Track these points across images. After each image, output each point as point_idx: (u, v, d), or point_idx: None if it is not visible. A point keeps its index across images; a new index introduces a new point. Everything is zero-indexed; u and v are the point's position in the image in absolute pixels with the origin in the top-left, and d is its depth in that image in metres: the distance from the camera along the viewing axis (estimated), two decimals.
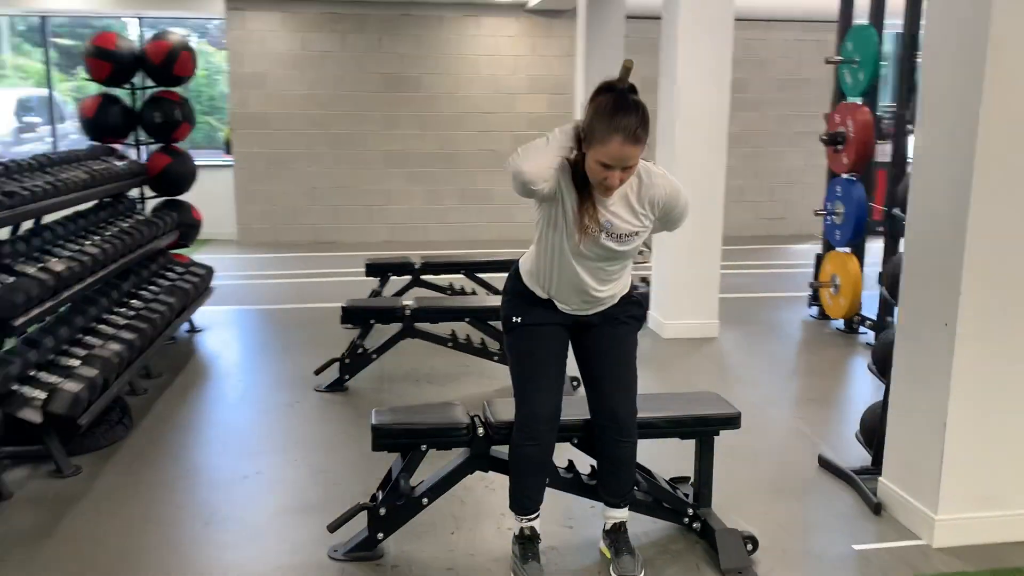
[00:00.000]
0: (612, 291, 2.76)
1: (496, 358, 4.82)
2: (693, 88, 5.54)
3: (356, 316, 4.76)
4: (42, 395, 3.47)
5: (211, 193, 9.70)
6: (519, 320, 2.79)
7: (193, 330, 5.99)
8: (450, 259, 6.44)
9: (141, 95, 6.14)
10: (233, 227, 9.90)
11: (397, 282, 6.11)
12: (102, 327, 4.34)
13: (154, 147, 6.15)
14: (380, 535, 2.97)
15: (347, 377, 4.74)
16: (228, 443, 4.10)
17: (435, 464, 3.01)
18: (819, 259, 6.36)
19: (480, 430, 2.93)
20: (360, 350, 4.73)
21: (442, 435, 2.93)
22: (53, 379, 3.59)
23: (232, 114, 9.75)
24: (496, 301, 4.43)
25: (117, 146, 6.01)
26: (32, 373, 3.61)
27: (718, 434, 3.11)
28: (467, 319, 4.80)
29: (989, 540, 3.05)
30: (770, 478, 3.70)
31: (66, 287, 3.95)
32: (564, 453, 2.98)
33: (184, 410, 4.49)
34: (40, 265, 3.88)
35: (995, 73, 2.74)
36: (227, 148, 10.17)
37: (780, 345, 5.85)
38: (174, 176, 6.07)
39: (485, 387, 4.80)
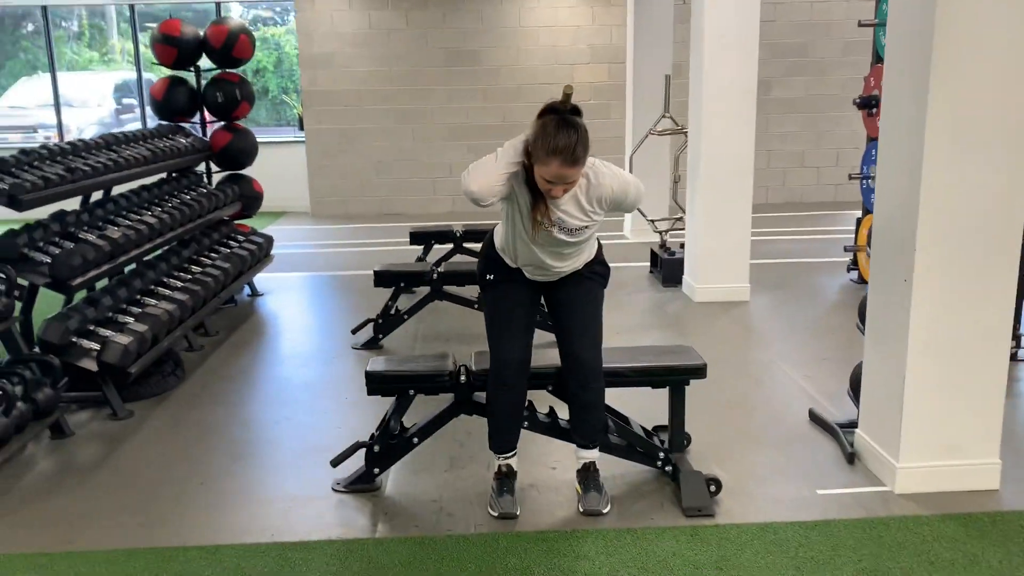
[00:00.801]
0: (574, 264, 3.02)
1: None
2: (719, 56, 5.64)
3: (387, 279, 5.12)
4: (97, 347, 3.95)
5: (286, 168, 10.30)
6: (491, 277, 3.08)
7: (254, 294, 6.48)
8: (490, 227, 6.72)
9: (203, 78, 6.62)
10: (306, 200, 10.45)
11: (441, 250, 6.44)
12: (161, 289, 4.82)
13: (217, 125, 6.63)
14: (376, 470, 3.32)
15: (381, 336, 5.12)
16: (267, 393, 4.54)
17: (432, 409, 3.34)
18: (858, 223, 6.37)
19: (463, 378, 3.23)
20: (392, 311, 5.09)
21: (427, 381, 3.25)
22: (108, 333, 4.07)
23: (304, 92, 10.25)
24: None
25: (185, 125, 6.52)
26: (91, 328, 4.10)
27: (687, 383, 3.33)
28: None
29: (948, 488, 3.18)
30: (759, 430, 3.87)
31: (123, 252, 4.44)
32: (546, 400, 3.26)
33: (233, 364, 4.95)
34: (100, 233, 4.37)
35: (942, 51, 2.84)
36: (300, 125, 10.70)
37: (810, 308, 5.92)
38: (235, 152, 6.54)
39: None
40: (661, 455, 3.33)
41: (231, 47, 6.36)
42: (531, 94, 10.23)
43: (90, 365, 3.93)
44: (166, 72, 6.65)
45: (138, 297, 4.61)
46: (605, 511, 3.11)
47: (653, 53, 7.83)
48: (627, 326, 5.53)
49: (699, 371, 3.28)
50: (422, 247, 6.45)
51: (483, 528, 3.03)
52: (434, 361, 3.32)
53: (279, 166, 10.45)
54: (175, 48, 6.30)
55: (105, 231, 4.40)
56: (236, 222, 6.66)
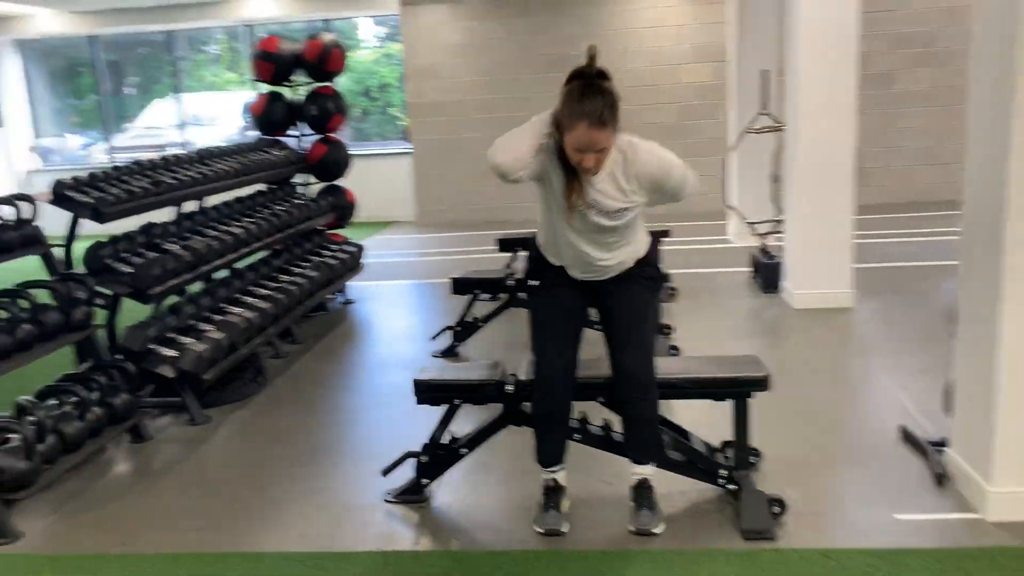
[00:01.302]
0: (620, 258, 2.85)
1: None
2: (815, 49, 5.31)
3: (464, 287, 5.07)
4: (175, 354, 4.08)
5: (392, 179, 10.50)
6: (536, 283, 2.96)
7: (347, 301, 6.59)
8: None
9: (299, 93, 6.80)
10: (412, 210, 10.61)
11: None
12: (246, 297, 4.94)
13: (313, 137, 6.80)
14: (424, 480, 3.26)
15: (457, 344, 5.08)
16: (342, 400, 4.58)
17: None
18: None
19: (509, 388, 3.13)
20: (470, 318, 5.05)
21: (473, 391, 3.15)
22: (187, 341, 4.20)
23: (409, 104, 10.42)
24: None
25: (283, 138, 6.72)
26: (171, 335, 4.24)
27: (749, 396, 3.09)
28: None
29: None
30: (843, 447, 3.58)
31: (204, 263, 4.58)
32: (601, 412, 3.11)
33: (314, 371, 5.03)
34: (184, 244, 4.52)
35: None
36: (406, 136, 10.89)
37: (920, 315, 5.47)
38: (330, 163, 6.69)
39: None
40: (723, 473, 3.11)
41: (325, 61, 6.51)
42: (636, 97, 10.01)
43: (167, 372, 4.06)
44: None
45: (222, 305, 4.74)
46: (657, 531, 2.92)
47: (757, 50, 7.48)
48: (719, 333, 5.28)
49: (759, 383, 3.04)
50: (510, 254, 6.38)
51: (527, 544, 2.91)
52: (482, 370, 3.23)
53: (386, 177, 10.68)
54: (272, 64, 6.50)
55: (188, 242, 4.55)
56: (330, 231, 6.80)
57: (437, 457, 3.23)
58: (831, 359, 4.71)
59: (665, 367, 3.07)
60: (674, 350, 4.72)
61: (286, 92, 6.76)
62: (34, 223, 3.80)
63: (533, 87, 10.11)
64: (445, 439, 3.24)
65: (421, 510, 3.21)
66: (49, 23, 10.50)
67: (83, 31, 10.87)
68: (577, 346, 2.97)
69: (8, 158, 11.11)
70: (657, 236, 3.07)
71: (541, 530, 2.96)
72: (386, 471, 3.30)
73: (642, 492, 3.02)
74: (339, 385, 4.84)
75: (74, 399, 3.61)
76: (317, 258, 6.04)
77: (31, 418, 3.32)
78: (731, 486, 3.09)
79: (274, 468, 3.68)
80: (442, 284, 7.12)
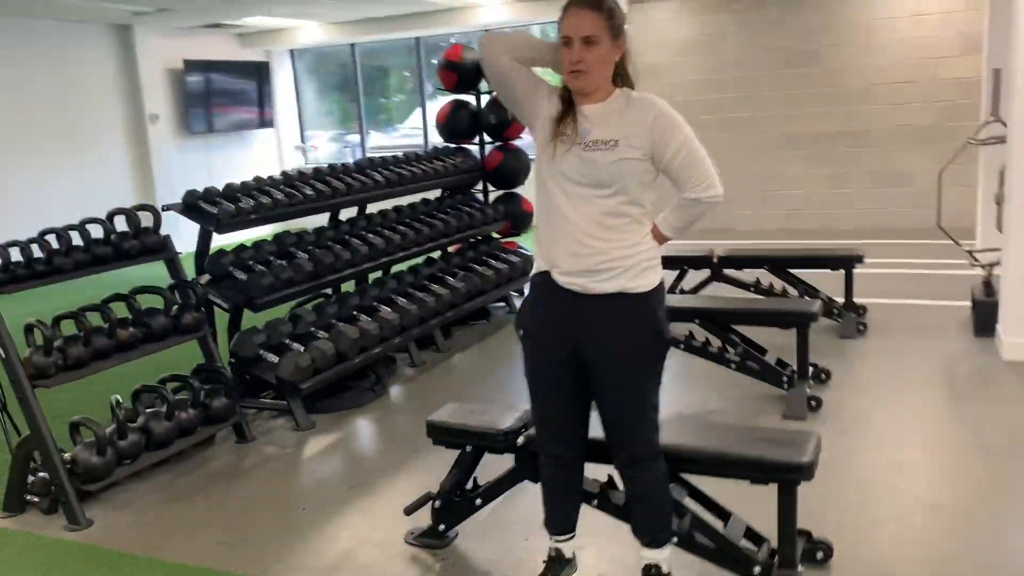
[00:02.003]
0: (616, 250, 2.37)
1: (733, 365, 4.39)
2: None
3: None
4: (276, 361, 4.25)
5: None
6: (522, 333, 2.63)
7: (513, 310, 6.50)
8: (754, 252, 5.96)
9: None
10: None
11: (697, 276, 5.86)
12: (381, 306, 5.02)
13: (492, 145, 6.78)
14: (441, 526, 3.07)
15: None
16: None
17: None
18: None
19: (521, 439, 2.85)
20: None
21: (484, 439, 2.92)
22: (297, 348, 4.35)
23: None
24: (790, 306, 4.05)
25: (467, 146, 6.78)
26: (286, 342, 4.42)
27: (799, 483, 2.55)
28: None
29: None
30: (972, 555, 2.86)
31: (330, 272, 4.73)
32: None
33: (438, 385, 5.00)
34: (318, 253, 4.71)
35: None
36: None
37: None
38: (506, 171, 6.64)
39: (722, 392, 4.44)
40: (756, 569, 2.60)
41: None
42: (883, 96, 8.90)
43: (270, 378, 4.24)
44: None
45: (354, 314, 4.85)
46: None
47: (997, 44, 6.25)
48: (892, 381, 4.49)
49: (796, 470, 2.49)
50: (676, 273, 5.92)
51: None
52: (497, 416, 2.97)
53: None
54: (456, 73, 6.57)
55: (314, 254, 4.71)
56: (505, 239, 6.76)
57: (452, 504, 3.04)
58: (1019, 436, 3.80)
59: (684, 436, 2.63)
60: (815, 402, 4.09)
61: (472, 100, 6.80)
62: (158, 231, 4.11)
63: (763, 85, 9.35)
64: (468, 484, 3.04)
65: (437, 555, 3.03)
66: (315, 34, 11.51)
67: (344, 40, 11.79)
68: (576, 409, 2.59)
69: (279, 156, 12.39)
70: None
71: None
72: (409, 510, 3.16)
73: None
74: (459, 399, 4.75)
75: (174, 399, 3.88)
76: (479, 266, 6.02)
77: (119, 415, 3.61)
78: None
79: (330, 486, 3.70)
80: None
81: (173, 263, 4.19)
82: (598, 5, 2.29)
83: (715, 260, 5.75)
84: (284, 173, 5.03)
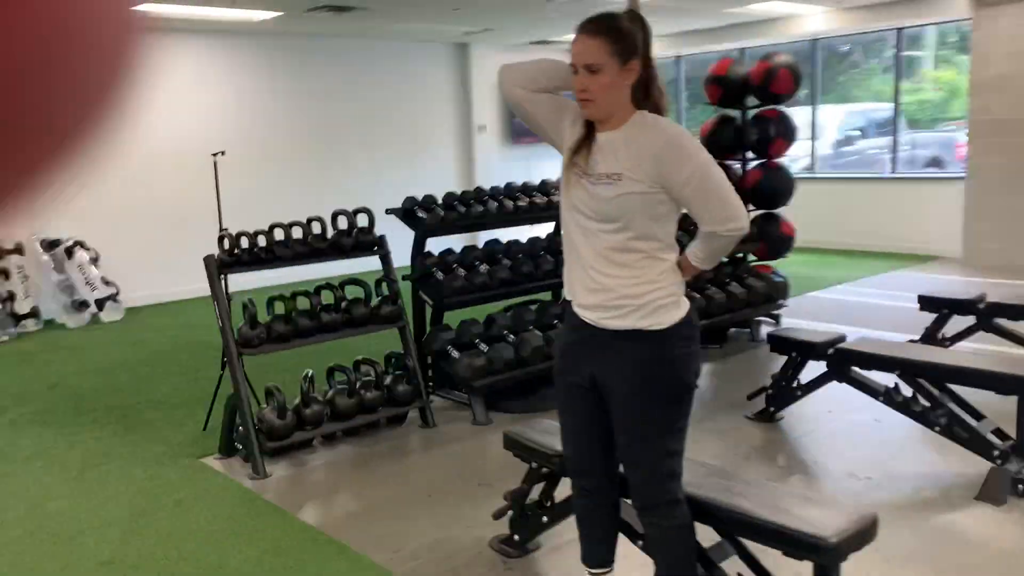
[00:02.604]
0: (626, 287, 2.26)
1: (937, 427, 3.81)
2: None
3: (783, 346, 4.41)
4: (456, 357, 4.57)
5: (939, 207, 9.23)
6: (556, 368, 2.59)
7: (754, 338, 6.17)
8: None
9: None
10: (959, 245, 9.08)
11: (961, 322, 5.10)
12: None
13: (754, 163, 6.48)
14: (516, 536, 3.14)
15: (772, 408, 4.46)
16: None
17: None
18: None
19: (546, 469, 2.83)
20: (784, 383, 4.39)
21: (542, 459, 2.94)
22: (483, 348, 4.64)
23: (971, 123, 8.89)
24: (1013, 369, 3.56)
25: (730, 162, 6.57)
26: (475, 341, 4.73)
27: (843, 559, 2.24)
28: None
29: None
30: None
31: (512, 284, 4.97)
32: None
33: None
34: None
35: None
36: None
37: None
38: (765, 190, 6.31)
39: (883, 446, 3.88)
40: None
41: (769, 82, 6.16)
42: None
43: (451, 372, 4.57)
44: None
45: (554, 322, 5.02)
46: None
47: None
48: None
49: (812, 549, 2.18)
50: (934, 316, 5.20)
51: None
52: (549, 436, 2.96)
53: (930, 205, 9.40)
54: (721, 87, 6.41)
55: (518, 261, 4.96)
56: (759, 263, 6.43)
57: (524, 517, 3.09)
58: None
59: (715, 492, 2.42)
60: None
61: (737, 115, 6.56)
62: (372, 231, 4.63)
63: None
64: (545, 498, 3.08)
65: (509, 564, 3.11)
66: None
67: (670, 53, 11.89)
68: (601, 442, 2.50)
69: None
70: (689, 328, 2.33)
71: None
72: (496, 514, 3.27)
73: None
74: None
75: (364, 378, 4.40)
76: (713, 287, 5.83)
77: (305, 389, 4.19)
78: None
79: (461, 480, 3.91)
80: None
81: (385, 259, 4.69)
82: (599, 31, 2.21)
83: (983, 306, 4.96)
84: (507, 185, 5.32)
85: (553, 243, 5.34)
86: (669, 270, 2.30)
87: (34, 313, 7.73)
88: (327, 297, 4.47)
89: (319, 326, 4.35)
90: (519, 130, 11.66)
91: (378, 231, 4.66)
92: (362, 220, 4.63)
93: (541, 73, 2.40)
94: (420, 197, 4.97)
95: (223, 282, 4.25)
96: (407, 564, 3.14)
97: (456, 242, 6.10)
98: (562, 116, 2.39)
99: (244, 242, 4.28)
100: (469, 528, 3.41)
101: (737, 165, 6.62)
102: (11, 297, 7.60)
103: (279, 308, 4.35)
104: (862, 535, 2.25)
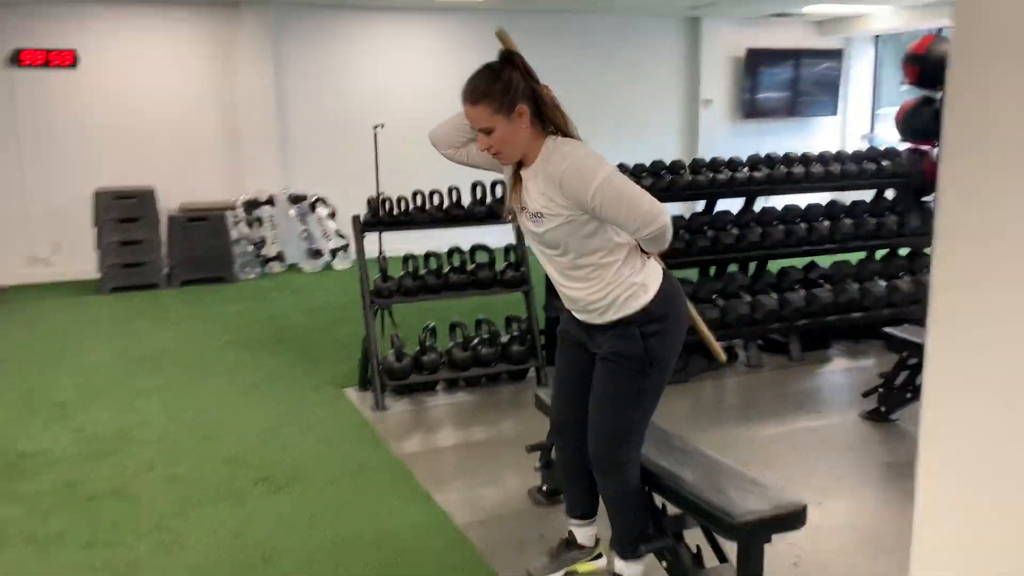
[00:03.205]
0: (585, 294, 2.52)
1: None
2: None
3: (894, 344, 4.21)
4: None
5: None
6: (559, 329, 2.85)
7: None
8: None
9: None
10: None
11: None
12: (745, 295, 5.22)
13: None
14: (544, 487, 3.45)
15: (883, 408, 4.28)
16: (712, 431, 4.58)
17: None
18: None
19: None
20: (895, 383, 4.20)
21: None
22: None
23: None
24: None
25: (926, 148, 6.14)
26: None
27: (768, 540, 2.34)
28: None
29: None
30: None
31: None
32: None
33: (723, 393, 4.98)
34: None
35: None
36: None
37: None
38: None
39: None
40: None
41: None
42: None
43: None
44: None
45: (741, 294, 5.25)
46: None
47: None
48: None
49: (716, 521, 2.28)
50: None
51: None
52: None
53: None
54: (918, 66, 6.00)
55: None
56: None
57: (547, 466, 3.38)
58: None
59: (662, 457, 2.58)
60: None
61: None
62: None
63: None
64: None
65: (543, 506, 3.44)
66: (891, 19, 10.93)
67: (923, 25, 10.94)
68: (582, 401, 2.75)
69: (842, 143, 12.15)
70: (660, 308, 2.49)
71: (527, 569, 2.94)
72: (529, 448, 3.59)
73: None
74: (737, 409, 4.74)
75: (483, 335, 4.86)
76: (878, 279, 5.57)
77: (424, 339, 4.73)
78: None
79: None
80: None
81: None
82: (477, 98, 2.38)
83: None
84: (673, 162, 5.50)
85: (745, 218, 5.52)
86: (622, 266, 2.48)
87: (279, 257, 9.05)
88: (458, 260, 4.96)
89: (445, 284, 4.85)
90: (750, 107, 11.40)
91: None
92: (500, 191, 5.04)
93: (456, 130, 2.63)
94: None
95: (378, 240, 4.89)
96: (448, 495, 3.56)
97: None
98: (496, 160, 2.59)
99: (396, 206, 4.88)
100: (527, 480, 3.73)
101: (936, 151, 6.16)
102: (262, 242, 8.96)
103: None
104: (780, 520, 2.32)
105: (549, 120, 2.45)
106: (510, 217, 2.61)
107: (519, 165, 2.52)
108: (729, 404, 4.84)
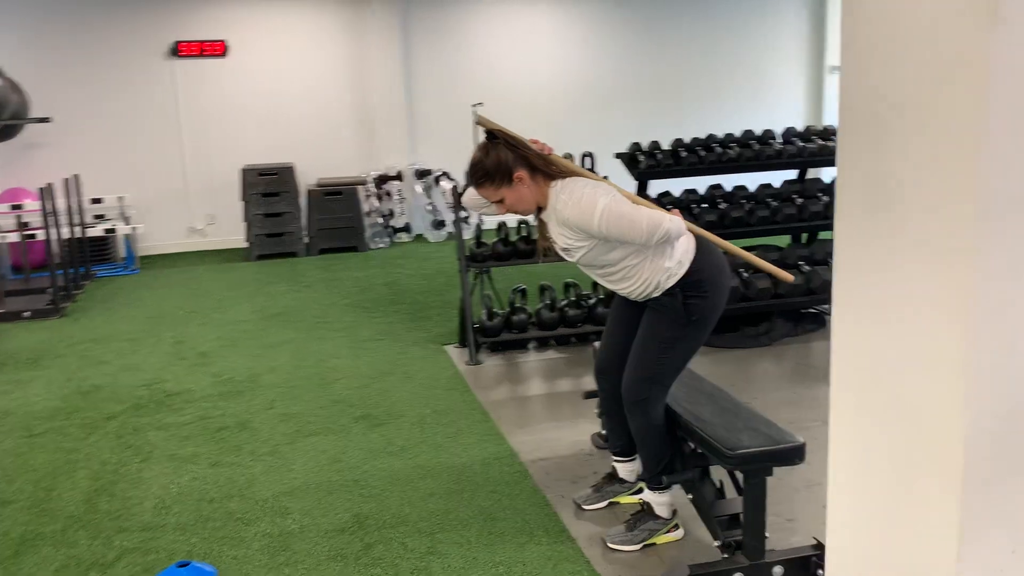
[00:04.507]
0: (630, 288, 2.88)
1: None
2: None
3: None
4: None
5: None
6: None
7: None
8: None
9: None
10: None
11: None
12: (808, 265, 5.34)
13: None
14: (603, 431, 3.79)
15: None
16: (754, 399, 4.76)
17: None
18: None
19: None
20: None
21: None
22: None
23: None
24: None
25: None
26: None
27: (770, 473, 2.63)
28: None
29: None
30: None
31: (735, 225, 5.28)
32: None
33: (779, 359, 5.10)
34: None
35: None
36: None
37: None
38: None
39: None
40: (716, 543, 2.77)
41: None
42: None
43: None
44: None
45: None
46: (617, 548, 2.96)
47: None
48: None
49: (717, 452, 2.57)
50: None
51: (550, 494, 3.35)
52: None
53: None
54: None
55: (725, 207, 5.31)
56: None
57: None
58: None
59: (690, 400, 2.89)
60: None
61: None
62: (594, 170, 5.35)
63: None
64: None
65: (597, 455, 3.79)
66: None
67: None
68: (622, 348, 3.07)
69: None
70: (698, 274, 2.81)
71: (574, 498, 3.32)
72: (586, 394, 3.93)
73: (638, 513, 3.02)
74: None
75: (571, 297, 5.23)
76: None
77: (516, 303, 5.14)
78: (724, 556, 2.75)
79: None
80: None
81: None
82: (479, 182, 2.84)
83: None
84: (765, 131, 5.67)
85: (783, 190, 5.58)
86: (654, 257, 2.81)
87: (406, 228, 9.71)
88: None
89: (535, 250, 5.24)
90: None
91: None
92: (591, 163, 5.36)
93: (478, 199, 2.99)
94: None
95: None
96: (520, 437, 3.98)
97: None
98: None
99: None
100: (596, 427, 4.09)
101: None
102: (391, 214, 9.63)
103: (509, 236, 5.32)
104: (775, 455, 2.58)
105: (546, 171, 2.82)
106: (543, 256, 3.05)
107: (540, 210, 2.92)
108: (807, 367, 4.99)
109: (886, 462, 1.59)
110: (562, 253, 2.91)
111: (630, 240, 2.72)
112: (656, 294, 2.84)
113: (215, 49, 9.23)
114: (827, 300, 5.30)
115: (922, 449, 1.50)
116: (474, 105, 5.72)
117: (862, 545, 1.69)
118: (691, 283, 2.80)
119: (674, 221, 2.71)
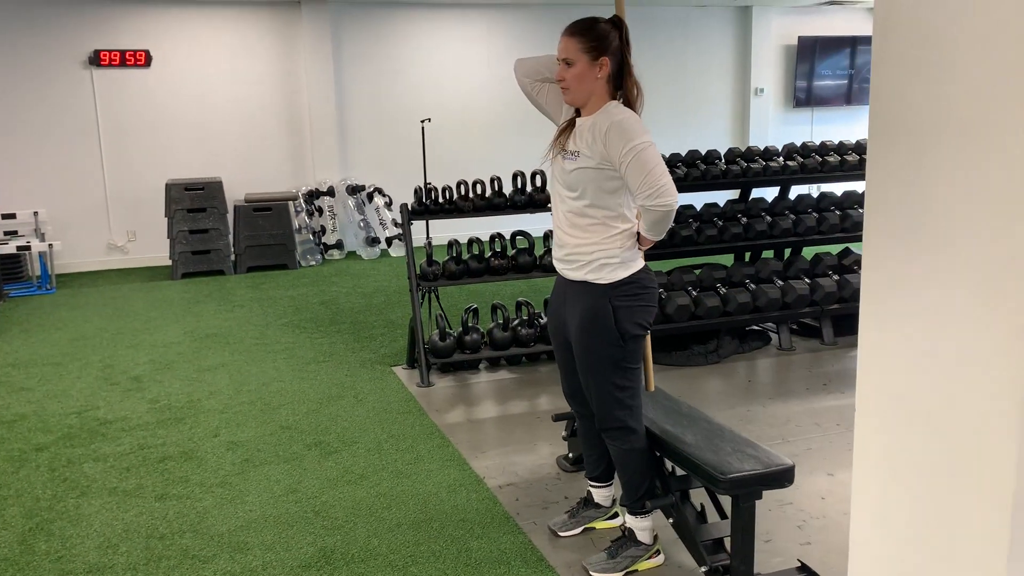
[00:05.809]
0: (578, 245, 2.76)
1: None
2: None
3: None
4: None
5: None
6: (547, 312, 3.13)
7: None
8: None
9: None
10: None
11: None
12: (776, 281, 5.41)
13: None
14: (570, 454, 3.72)
15: None
16: (729, 412, 4.79)
17: None
18: None
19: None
20: None
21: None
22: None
23: None
24: None
25: None
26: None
27: (759, 497, 2.59)
28: None
29: None
30: None
31: (716, 242, 5.31)
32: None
33: (761, 374, 5.18)
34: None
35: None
36: None
37: None
38: None
39: None
40: (702, 570, 2.72)
41: None
42: None
43: None
44: None
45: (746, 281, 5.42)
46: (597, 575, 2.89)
47: None
48: None
49: (707, 477, 2.53)
50: None
51: (525, 523, 3.26)
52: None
53: None
54: None
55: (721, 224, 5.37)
56: None
57: (572, 435, 3.66)
58: None
59: (669, 423, 2.84)
60: None
61: None
62: (544, 190, 5.31)
63: None
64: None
65: (565, 478, 3.72)
66: None
67: None
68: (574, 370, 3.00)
69: None
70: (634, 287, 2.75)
71: (549, 524, 3.24)
72: (555, 417, 3.86)
73: (618, 539, 2.95)
74: (734, 403, 4.94)
75: (523, 316, 5.14)
76: None
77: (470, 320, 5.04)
78: None
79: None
80: None
81: None
82: (575, 32, 2.69)
83: None
84: (731, 150, 5.72)
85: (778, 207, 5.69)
86: (619, 236, 2.73)
87: (338, 245, 9.49)
88: (499, 246, 5.25)
89: (487, 268, 5.15)
90: (803, 95, 11.42)
91: None
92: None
93: (543, 66, 2.92)
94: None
95: (425, 227, 5.21)
96: (482, 461, 3.87)
97: None
98: (561, 102, 2.90)
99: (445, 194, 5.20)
100: (558, 449, 4.02)
101: None
102: (322, 230, 9.40)
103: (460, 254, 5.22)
104: (766, 478, 2.55)
105: (624, 88, 2.73)
106: (549, 157, 2.87)
107: (576, 112, 2.80)
108: (757, 383, 5.04)
109: (921, 478, 1.57)
110: (564, 160, 2.75)
111: (638, 187, 2.60)
112: (583, 273, 2.75)
113: (137, 59, 8.87)
114: (772, 318, 5.39)
115: (964, 464, 1.48)
116: (423, 121, 5.61)
117: (890, 558, 1.66)
118: (624, 290, 2.73)
119: (670, 215, 2.68)
